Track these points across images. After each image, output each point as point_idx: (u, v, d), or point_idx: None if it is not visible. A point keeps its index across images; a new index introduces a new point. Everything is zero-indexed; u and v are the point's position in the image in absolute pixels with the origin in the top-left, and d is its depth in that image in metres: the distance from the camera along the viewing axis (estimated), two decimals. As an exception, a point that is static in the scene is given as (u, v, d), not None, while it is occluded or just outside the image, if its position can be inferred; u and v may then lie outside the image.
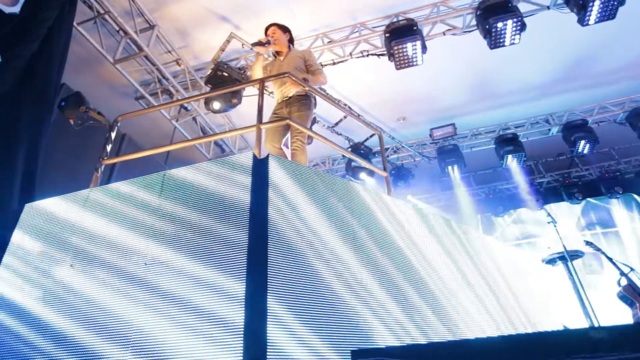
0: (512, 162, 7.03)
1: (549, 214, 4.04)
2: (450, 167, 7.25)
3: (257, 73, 3.53)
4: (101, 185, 2.91)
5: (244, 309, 1.60)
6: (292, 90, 3.25)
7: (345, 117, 6.49)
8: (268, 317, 1.57)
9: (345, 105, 6.33)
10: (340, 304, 1.85)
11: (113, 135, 3.19)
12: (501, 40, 4.52)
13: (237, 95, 4.98)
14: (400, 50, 4.70)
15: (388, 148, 8.06)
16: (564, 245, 3.72)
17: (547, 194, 8.14)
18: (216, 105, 5.02)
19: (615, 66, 6.63)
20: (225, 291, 1.67)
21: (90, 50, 5.18)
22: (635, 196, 7.68)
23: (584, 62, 6.55)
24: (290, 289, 1.71)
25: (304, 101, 3.37)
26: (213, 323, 1.62)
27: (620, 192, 7.49)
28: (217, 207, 1.95)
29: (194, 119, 6.48)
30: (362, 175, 7.06)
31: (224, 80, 4.92)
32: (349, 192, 2.34)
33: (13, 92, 2.71)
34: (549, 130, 7.49)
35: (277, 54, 3.71)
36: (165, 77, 5.63)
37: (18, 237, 2.39)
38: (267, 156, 2.06)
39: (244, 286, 1.65)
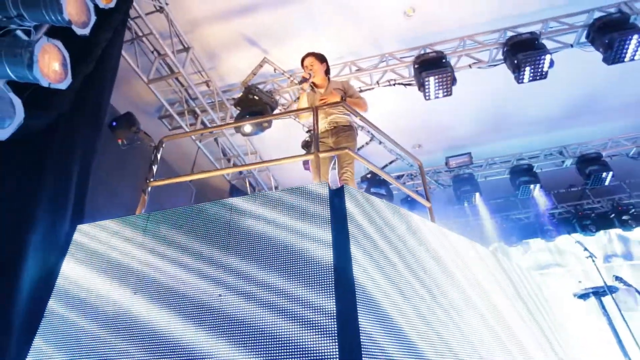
0: (536, 192, 7.09)
1: (586, 249, 4.03)
2: (475, 196, 7.29)
3: (304, 106, 3.54)
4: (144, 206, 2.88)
5: (336, 342, 1.55)
6: (340, 117, 3.30)
7: (367, 143, 6.56)
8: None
9: (369, 132, 6.41)
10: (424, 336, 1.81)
11: (159, 156, 3.18)
12: (530, 76, 4.65)
13: (268, 119, 5.03)
14: (431, 82, 4.80)
15: (403, 175, 8.12)
16: (604, 281, 3.69)
17: (560, 225, 8.17)
18: (247, 128, 5.06)
19: (628, 102, 6.82)
20: (314, 324, 1.62)
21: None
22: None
23: (597, 98, 6.74)
24: (378, 322, 1.66)
25: (350, 132, 3.41)
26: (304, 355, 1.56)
27: (634, 225, 7.54)
28: (295, 238, 1.92)
29: (215, 139, 6.50)
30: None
31: (254, 103, 4.98)
32: (415, 225, 2.33)
33: (68, 114, 2.72)
34: (563, 162, 7.60)
35: (314, 85, 3.67)
36: (192, 97, 5.68)
37: (71, 261, 2.32)
38: (342, 187, 2.05)
39: (335, 328, 1.60)
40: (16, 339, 2.00)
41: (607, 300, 4.03)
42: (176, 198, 4.81)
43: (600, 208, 8.33)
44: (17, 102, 1.89)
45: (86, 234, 2.39)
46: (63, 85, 2.18)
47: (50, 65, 2.09)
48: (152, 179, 2.99)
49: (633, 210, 7.67)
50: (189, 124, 5.94)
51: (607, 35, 4.49)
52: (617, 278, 4.39)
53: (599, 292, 3.92)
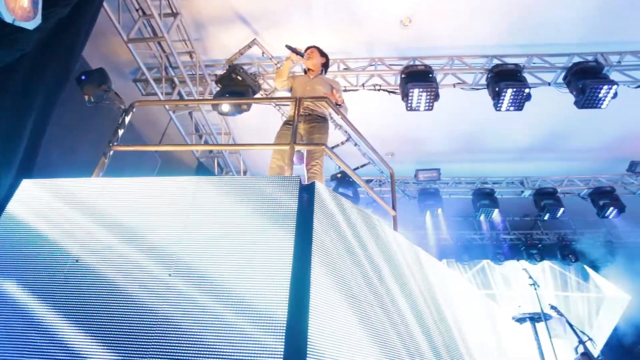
0: (484, 217, 7.46)
1: (530, 277, 4.27)
2: (429, 212, 7.52)
3: (284, 74, 3.57)
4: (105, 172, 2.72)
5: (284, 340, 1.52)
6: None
7: (342, 143, 6.56)
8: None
9: (346, 132, 6.41)
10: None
11: (127, 120, 3.00)
12: (508, 105, 4.83)
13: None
14: (415, 94, 4.87)
15: (372, 180, 8.22)
16: (541, 308, 3.94)
17: (510, 251, 8.63)
18: (225, 107, 4.90)
19: (589, 147, 7.30)
20: (265, 317, 1.59)
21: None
22: (586, 267, 8.35)
23: (563, 137, 7.16)
24: (333, 320, 1.66)
25: (324, 124, 3.41)
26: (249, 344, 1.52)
27: (573, 261, 8.10)
28: (258, 224, 1.87)
29: (190, 113, 6.26)
30: (348, 202, 7.14)
31: (237, 83, 4.83)
32: (378, 229, 2.35)
33: (34, 55, 2.49)
34: (522, 192, 8.02)
35: (308, 70, 3.77)
36: (173, 65, 5.42)
37: (9, 217, 2.12)
38: (313, 184, 2.02)
39: (286, 315, 1.58)
40: None
41: (539, 326, 4.29)
42: (139, 167, 4.57)
43: (547, 240, 8.88)
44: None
45: (31, 190, 2.21)
46: (30, 25, 1.99)
47: (18, 1, 1.89)
48: (115, 143, 2.82)
49: (575, 245, 8.24)
50: (164, 92, 5.67)
51: (582, 80, 4.76)
52: (553, 307, 4.69)
53: (534, 318, 4.16)
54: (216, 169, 7.15)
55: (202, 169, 6.63)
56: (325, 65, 3.78)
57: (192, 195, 2.03)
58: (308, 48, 3.71)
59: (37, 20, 2.01)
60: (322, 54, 3.75)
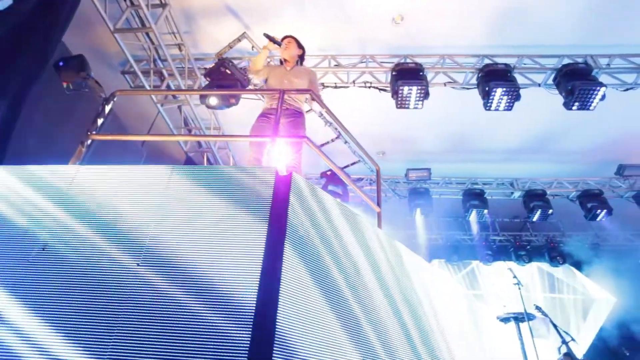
0: (474, 217, 7.46)
1: (515, 276, 4.27)
2: (418, 210, 7.50)
3: (259, 63, 3.52)
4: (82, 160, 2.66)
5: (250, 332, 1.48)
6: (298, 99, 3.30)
7: (332, 140, 6.52)
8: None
9: (336, 129, 6.37)
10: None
11: (107, 108, 2.94)
12: (498, 104, 4.83)
13: (236, 95, 4.84)
14: (405, 91, 4.85)
15: (363, 178, 8.19)
16: (524, 308, 3.94)
17: (499, 252, 8.66)
18: (213, 100, 4.83)
19: (578, 149, 7.33)
20: (232, 311, 1.55)
21: (82, 7, 4.81)
22: (573, 269, 8.41)
23: (552, 139, 7.19)
24: (303, 310, 1.62)
25: (302, 118, 3.41)
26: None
27: (561, 262, 8.15)
28: (231, 214, 1.83)
29: (179, 107, 6.18)
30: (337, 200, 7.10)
31: (226, 77, 4.77)
32: (357, 223, 2.31)
33: (8, 39, 2.42)
34: (512, 193, 8.04)
35: (284, 61, 3.71)
36: (161, 58, 5.34)
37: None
38: (290, 175, 1.98)
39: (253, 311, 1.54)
40: None
41: (523, 326, 4.29)
42: (123, 160, 4.48)
43: (535, 241, 8.93)
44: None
45: (1, 175, 2.14)
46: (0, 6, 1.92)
47: (-13, -20, 1.83)
48: (94, 132, 2.76)
49: (562, 247, 8.29)
50: (152, 85, 5.59)
51: (571, 82, 4.76)
52: (537, 307, 4.70)
53: (518, 318, 4.16)
54: (205, 164, 7.08)
55: (190, 164, 6.56)
56: (302, 57, 3.73)
57: (165, 184, 1.98)
58: (285, 37, 3.64)
59: (7, 2, 1.95)
60: (299, 45, 3.69)
